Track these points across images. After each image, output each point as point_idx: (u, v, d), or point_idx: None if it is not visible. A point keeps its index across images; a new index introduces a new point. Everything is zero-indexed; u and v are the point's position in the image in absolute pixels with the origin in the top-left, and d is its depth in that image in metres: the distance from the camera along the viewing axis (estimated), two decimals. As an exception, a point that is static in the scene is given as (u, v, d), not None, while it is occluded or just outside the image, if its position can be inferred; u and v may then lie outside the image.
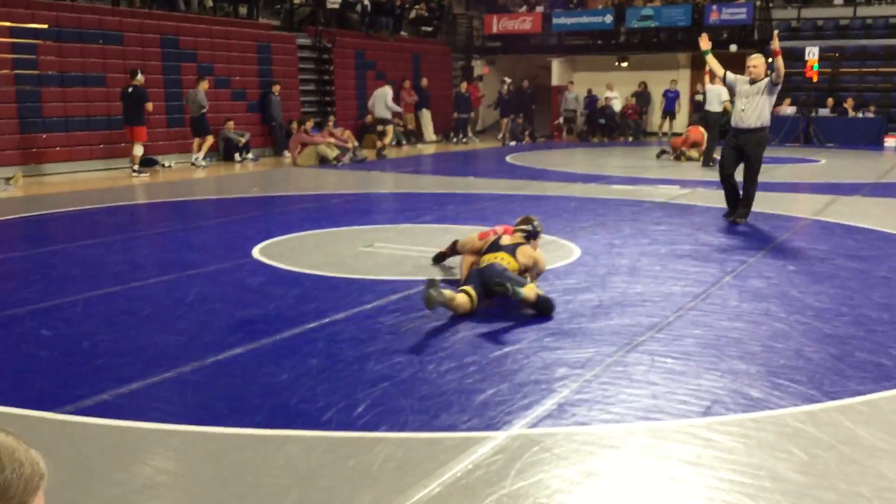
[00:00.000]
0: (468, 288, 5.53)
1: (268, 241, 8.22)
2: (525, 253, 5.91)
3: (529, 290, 5.45)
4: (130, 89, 14.41)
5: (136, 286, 6.40)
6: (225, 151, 17.21)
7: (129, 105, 14.41)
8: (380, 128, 19.19)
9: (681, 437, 3.61)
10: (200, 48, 17.29)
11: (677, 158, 16.99)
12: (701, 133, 17.16)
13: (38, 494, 1.21)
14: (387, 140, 18.90)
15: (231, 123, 17.27)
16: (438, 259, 6.98)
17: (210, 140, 16.29)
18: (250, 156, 17.18)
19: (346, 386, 4.20)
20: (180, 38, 16.90)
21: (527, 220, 6.25)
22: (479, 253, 6.08)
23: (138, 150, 14.54)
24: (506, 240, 5.99)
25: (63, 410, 3.88)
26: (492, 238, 6.13)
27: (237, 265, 7.14)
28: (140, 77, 14.52)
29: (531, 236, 6.10)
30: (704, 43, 9.26)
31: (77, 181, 13.74)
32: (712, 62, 9.18)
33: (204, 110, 16.01)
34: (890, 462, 3.32)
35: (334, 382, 4.25)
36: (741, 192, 9.14)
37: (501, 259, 5.76)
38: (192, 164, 15.92)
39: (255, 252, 7.66)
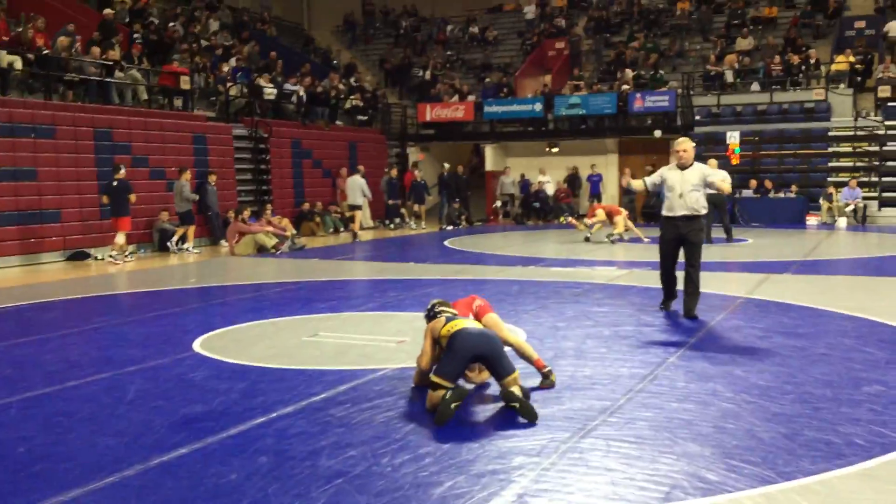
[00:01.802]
0: (447, 391, 5.05)
1: (209, 333, 8.06)
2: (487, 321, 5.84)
3: (516, 384, 5.22)
4: (115, 182, 15.27)
5: (73, 385, 6.17)
6: (160, 243, 16.98)
7: (115, 197, 15.20)
8: (349, 213, 20.44)
9: (643, 524, 3.58)
10: (135, 140, 17.20)
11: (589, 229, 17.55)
12: (617, 210, 17.85)
13: None
14: (357, 225, 19.74)
15: (165, 214, 17.10)
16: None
17: (193, 228, 17.10)
18: (186, 246, 16.95)
19: (299, 484, 4.07)
20: (114, 130, 16.79)
21: (444, 304, 5.88)
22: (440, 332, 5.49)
23: (120, 239, 15.36)
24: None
25: (-1, 523, 3.67)
26: (443, 320, 5.56)
27: (178, 360, 6.95)
28: (123, 171, 15.41)
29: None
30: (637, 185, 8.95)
31: (7, 277, 13.33)
32: (637, 185, 8.87)
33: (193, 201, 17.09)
34: (851, 542, 3.34)
35: (286, 481, 4.12)
36: (684, 282, 8.52)
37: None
38: (178, 250, 16.87)
39: (196, 345, 7.49)
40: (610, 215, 17.66)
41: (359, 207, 19.89)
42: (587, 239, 17.69)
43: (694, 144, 8.64)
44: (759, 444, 4.54)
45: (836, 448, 4.46)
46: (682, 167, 8.47)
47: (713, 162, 16.30)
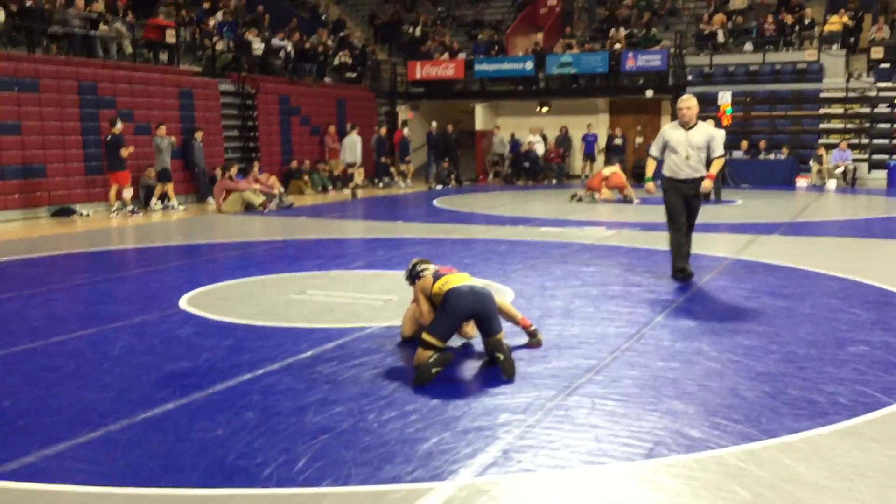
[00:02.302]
0: (434, 352, 5.09)
1: (195, 290, 8.03)
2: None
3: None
4: (108, 137, 15.39)
5: (58, 341, 6.15)
6: (146, 199, 16.85)
7: (108, 152, 15.39)
8: (350, 170, 21.08)
9: (627, 480, 3.61)
10: (120, 94, 16.98)
11: (593, 199, 17.39)
12: (621, 177, 17.69)
13: None
14: (357, 180, 20.33)
15: (151, 171, 16.95)
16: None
17: (171, 185, 16.91)
18: (173, 203, 16.84)
19: (285, 440, 4.08)
20: (99, 84, 16.57)
21: (425, 261, 5.95)
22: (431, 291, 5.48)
23: (127, 193, 15.53)
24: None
25: (-17, 476, 3.66)
26: (430, 278, 5.57)
27: (164, 316, 6.93)
28: (119, 125, 15.44)
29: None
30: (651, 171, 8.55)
31: (-10, 232, 13.23)
32: (650, 169, 8.52)
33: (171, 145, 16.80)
34: (833, 499, 3.37)
35: (272, 436, 4.13)
36: (688, 243, 8.36)
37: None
38: (164, 207, 16.73)
39: (183, 302, 7.46)
40: (621, 189, 17.54)
41: (355, 165, 20.17)
42: (574, 196, 17.66)
43: (696, 102, 8.16)
44: (743, 403, 4.57)
45: (819, 407, 4.49)
46: (685, 126, 8.06)
47: (710, 122, 16.18)
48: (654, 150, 8.35)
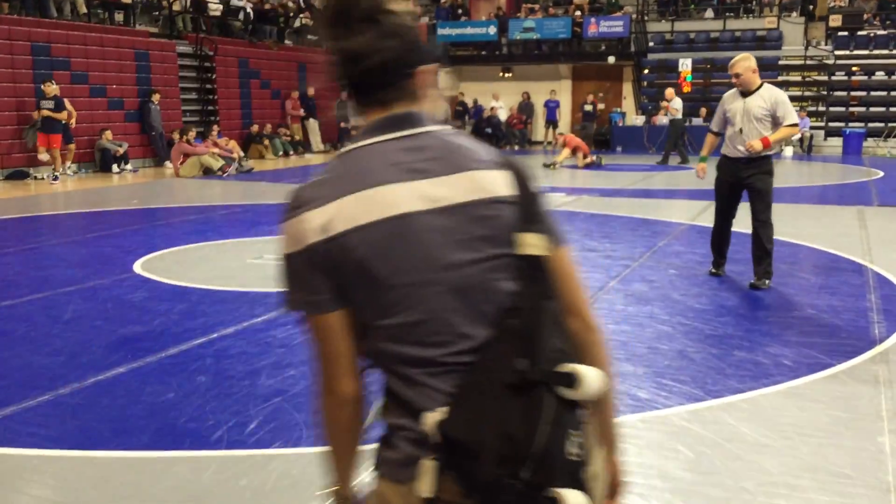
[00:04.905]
0: None
1: (150, 254, 7.95)
2: None
3: None
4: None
5: (8, 305, 6.06)
6: (102, 162, 16.56)
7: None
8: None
9: (574, 440, 3.67)
10: (74, 56, 16.60)
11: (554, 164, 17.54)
12: (579, 140, 17.94)
13: None
14: None
15: (108, 133, 16.65)
16: None
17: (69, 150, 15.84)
18: (129, 167, 16.59)
19: (237, 403, 4.08)
20: (52, 45, 16.17)
21: None
22: None
23: (42, 156, 15.07)
24: None
25: (-72, 441, 3.62)
26: None
27: (117, 280, 6.86)
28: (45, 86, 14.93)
29: None
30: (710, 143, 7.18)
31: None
32: (705, 147, 7.27)
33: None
34: (772, 457, 3.47)
35: (224, 399, 4.13)
36: (751, 242, 6.87)
37: None
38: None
39: (137, 266, 7.39)
40: (576, 150, 17.74)
41: None
42: (545, 166, 17.71)
43: (752, 62, 6.50)
44: (690, 364, 4.66)
45: (763, 368, 4.60)
46: (744, 93, 6.50)
47: (670, 91, 16.34)
48: (714, 122, 6.99)
